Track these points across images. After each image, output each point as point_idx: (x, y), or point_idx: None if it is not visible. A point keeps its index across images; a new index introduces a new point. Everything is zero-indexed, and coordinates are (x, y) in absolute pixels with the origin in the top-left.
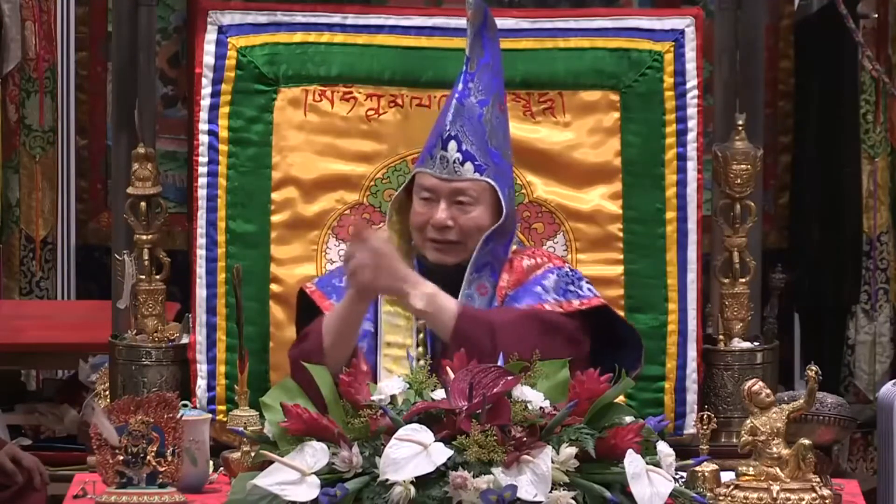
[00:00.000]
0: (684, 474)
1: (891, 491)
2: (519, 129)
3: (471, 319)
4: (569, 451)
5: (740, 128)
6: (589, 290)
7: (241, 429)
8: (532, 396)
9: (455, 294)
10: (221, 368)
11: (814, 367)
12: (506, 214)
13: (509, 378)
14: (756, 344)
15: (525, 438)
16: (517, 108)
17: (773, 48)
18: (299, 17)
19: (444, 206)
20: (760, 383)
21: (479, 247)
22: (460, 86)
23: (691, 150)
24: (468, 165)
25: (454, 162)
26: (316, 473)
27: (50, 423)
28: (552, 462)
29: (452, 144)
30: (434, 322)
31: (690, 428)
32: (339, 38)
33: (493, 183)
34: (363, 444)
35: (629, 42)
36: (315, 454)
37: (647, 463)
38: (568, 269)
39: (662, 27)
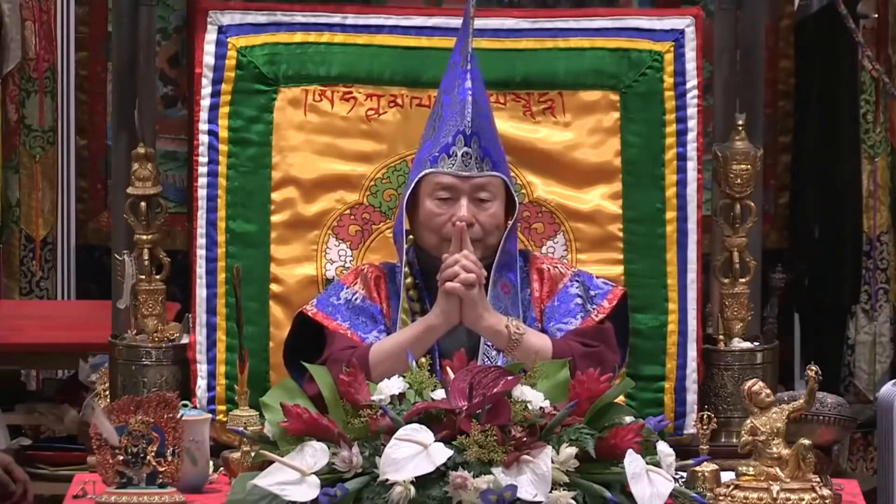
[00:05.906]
0: (684, 474)
1: (891, 491)
2: (519, 129)
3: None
4: (569, 451)
5: (740, 128)
6: (604, 283)
7: (241, 429)
8: (532, 396)
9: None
10: (221, 368)
11: (814, 367)
12: (519, 209)
13: (509, 378)
14: (756, 344)
15: (525, 438)
16: (517, 108)
17: (773, 48)
18: (299, 17)
19: (465, 204)
20: (760, 383)
21: (501, 245)
22: (468, 83)
23: (691, 150)
24: (488, 161)
25: (476, 158)
26: (316, 473)
27: (50, 423)
28: (552, 462)
29: (475, 140)
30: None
31: (690, 428)
32: (339, 38)
33: (506, 179)
34: (363, 444)
35: (629, 42)
36: (315, 454)
37: (647, 463)
38: (577, 271)
39: (662, 27)
